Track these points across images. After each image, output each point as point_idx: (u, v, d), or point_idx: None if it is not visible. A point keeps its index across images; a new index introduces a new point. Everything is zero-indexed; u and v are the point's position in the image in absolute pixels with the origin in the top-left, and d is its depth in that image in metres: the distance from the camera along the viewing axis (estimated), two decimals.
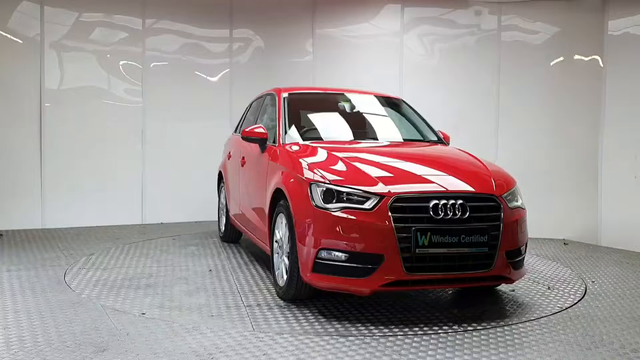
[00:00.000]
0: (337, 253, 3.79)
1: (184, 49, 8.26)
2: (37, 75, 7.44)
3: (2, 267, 5.24)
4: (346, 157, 4.31)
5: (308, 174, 4.09)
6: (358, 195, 3.83)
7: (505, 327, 3.83)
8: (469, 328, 3.79)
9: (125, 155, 7.91)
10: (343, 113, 5.56)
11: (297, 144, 4.82)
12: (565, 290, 4.86)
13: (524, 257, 4.33)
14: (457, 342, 3.52)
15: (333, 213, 3.82)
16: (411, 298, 4.51)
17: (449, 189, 3.93)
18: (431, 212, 3.77)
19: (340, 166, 4.18)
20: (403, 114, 5.71)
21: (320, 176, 4.01)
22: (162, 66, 8.15)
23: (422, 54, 8.08)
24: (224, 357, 3.19)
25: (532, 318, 4.05)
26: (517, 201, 4.29)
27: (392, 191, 3.80)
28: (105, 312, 3.96)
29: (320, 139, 5.05)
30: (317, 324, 3.82)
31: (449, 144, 5.37)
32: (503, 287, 4.79)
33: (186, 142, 8.25)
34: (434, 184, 3.98)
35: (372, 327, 3.75)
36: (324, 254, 3.83)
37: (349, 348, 3.37)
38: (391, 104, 5.84)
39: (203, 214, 8.19)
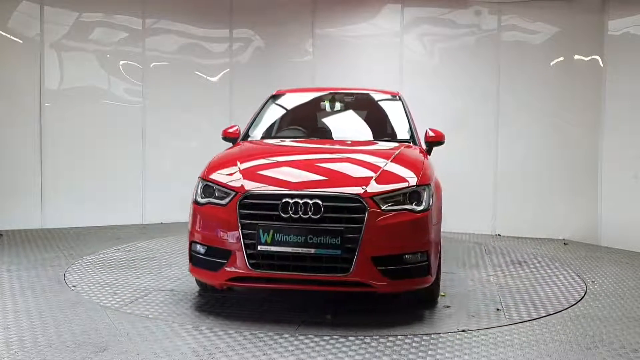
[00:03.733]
0: (200, 246, 3.97)
1: (184, 49, 8.26)
2: (37, 75, 7.44)
3: (2, 267, 5.23)
4: (253, 156, 4.48)
5: (203, 170, 4.24)
6: (220, 192, 3.94)
7: (505, 327, 3.83)
8: (469, 329, 3.79)
9: (125, 155, 7.91)
10: (322, 112, 5.63)
11: (248, 142, 5.00)
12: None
13: (418, 267, 3.86)
14: (456, 342, 3.52)
15: (201, 207, 4.00)
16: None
17: (307, 188, 3.80)
18: (280, 211, 3.72)
19: (232, 164, 4.21)
20: (385, 112, 5.53)
21: (206, 172, 4.17)
22: (162, 66, 8.15)
23: (422, 54, 8.07)
24: (224, 357, 3.19)
25: (532, 318, 4.05)
26: (415, 204, 3.86)
27: (245, 188, 3.83)
28: (105, 312, 3.96)
29: (280, 137, 5.18)
30: (183, 311, 4.01)
31: (442, 142, 5.15)
32: (440, 301, 4.38)
33: (186, 142, 8.25)
34: (295, 183, 3.87)
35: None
36: (194, 247, 4.02)
37: (349, 348, 3.37)
38: (379, 101, 5.69)
39: None
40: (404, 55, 8.04)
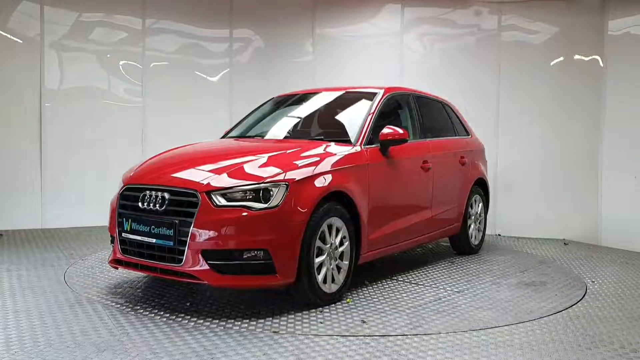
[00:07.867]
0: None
1: (184, 49, 8.26)
2: (37, 75, 7.44)
3: (2, 267, 5.24)
4: (189, 152, 4.88)
5: None
6: (120, 185, 4.45)
7: (505, 327, 3.83)
8: (469, 329, 3.79)
9: (125, 155, 7.90)
10: (292, 113, 5.72)
11: (202, 142, 5.41)
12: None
13: (257, 265, 3.84)
14: (456, 342, 3.52)
15: (114, 198, 4.46)
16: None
17: (161, 183, 4.13)
18: (139, 202, 4.12)
19: (141, 161, 4.76)
20: (344, 111, 5.40)
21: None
22: (162, 66, 8.15)
23: (422, 54, 8.07)
24: (224, 357, 3.19)
25: (532, 318, 4.05)
26: (257, 202, 3.87)
27: (126, 181, 4.35)
28: (105, 312, 3.96)
29: (239, 137, 5.48)
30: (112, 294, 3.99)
31: (400, 141, 4.82)
32: (342, 307, 4.17)
33: (186, 142, 8.21)
34: (155, 178, 4.23)
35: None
36: None
37: (349, 348, 3.37)
38: (352, 100, 5.45)
39: None
40: (404, 55, 8.04)
